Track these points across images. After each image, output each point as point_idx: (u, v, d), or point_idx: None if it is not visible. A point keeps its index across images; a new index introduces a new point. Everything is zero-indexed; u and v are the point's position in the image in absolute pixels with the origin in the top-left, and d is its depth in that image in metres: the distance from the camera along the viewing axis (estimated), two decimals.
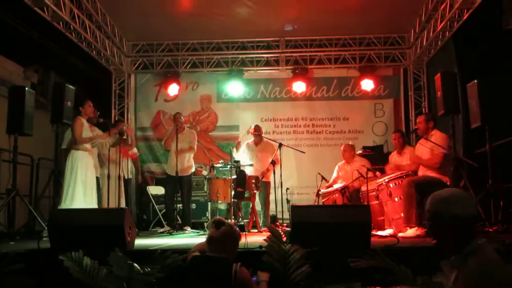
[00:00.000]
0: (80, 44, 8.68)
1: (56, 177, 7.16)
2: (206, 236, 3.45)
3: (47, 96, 10.74)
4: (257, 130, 8.55)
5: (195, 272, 3.23)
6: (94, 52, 9.28)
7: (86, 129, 6.93)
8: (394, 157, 7.05)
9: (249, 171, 8.25)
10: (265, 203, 8.37)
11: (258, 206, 8.46)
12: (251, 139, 8.71)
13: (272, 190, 8.15)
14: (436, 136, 6.14)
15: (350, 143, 8.16)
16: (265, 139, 8.61)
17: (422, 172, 6.23)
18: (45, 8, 7.16)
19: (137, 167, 9.03)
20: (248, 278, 3.20)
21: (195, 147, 8.36)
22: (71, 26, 7.93)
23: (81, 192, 6.65)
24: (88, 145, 6.89)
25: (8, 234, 6.52)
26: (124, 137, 7.55)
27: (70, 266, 3.15)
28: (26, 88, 6.90)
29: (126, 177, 8.20)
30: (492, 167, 6.18)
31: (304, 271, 3.31)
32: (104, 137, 7.26)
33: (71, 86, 7.20)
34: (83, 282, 3.10)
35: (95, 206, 6.85)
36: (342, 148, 8.04)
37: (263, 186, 8.31)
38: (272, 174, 8.02)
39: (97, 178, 7.28)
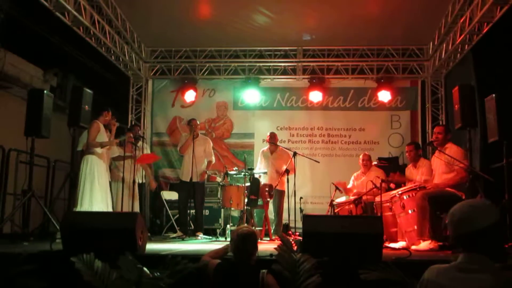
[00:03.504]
0: (99, 49, 8.78)
1: (72, 179, 7.21)
2: (219, 242, 3.51)
3: (65, 100, 10.87)
4: (272, 138, 8.54)
5: (222, 278, 3.28)
6: (112, 57, 9.39)
7: (102, 133, 6.98)
8: (409, 170, 7.00)
9: (263, 179, 8.26)
10: (278, 211, 8.34)
11: (271, 214, 8.44)
12: (266, 146, 8.73)
13: (285, 199, 8.12)
14: (452, 149, 6.08)
15: (366, 153, 8.15)
16: (280, 147, 8.60)
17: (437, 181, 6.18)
18: (66, 13, 7.26)
19: (148, 174, 8.94)
20: (274, 284, 3.23)
21: (213, 158, 8.40)
22: (91, 31, 8.02)
23: (99, 195, 6.70)
24: (99, 150, 6.91)
25: (23, 235, 6.57)
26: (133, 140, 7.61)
27: (81, 268, 3.17)
28: (45, 91, 6.96)
29: (140, 182, 8.24)
30: (509, 182, 6.10)
31: (314, 281, 3.29)
32: (113, 142, 7.26)
33: (89, 90, 7.27)
34: (93, 285, 3.12)
35: (110, 210, 6.89)
36: (362, 157, 7.99)
37: (277, 194, 8.28)
38: (286, 183, 8.00)
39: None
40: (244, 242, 3.44)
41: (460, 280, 2.12)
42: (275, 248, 3.58)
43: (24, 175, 6.93)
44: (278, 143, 8.71)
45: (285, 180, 8.01)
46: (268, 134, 8.70)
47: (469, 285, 2.09)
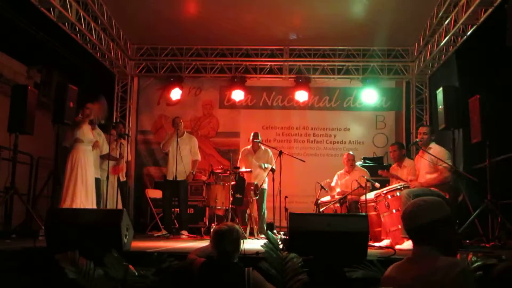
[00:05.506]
0: (85, 45, 8.71)
1: (55, 177, 7.15)
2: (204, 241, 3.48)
3: (50, 96, 10.76)
4: (255, 137, 8.55)
5: (207, 276, 3.26)
6: (98, 54, 9.32)
7: (86, 132, 6.91)
8: (394, 170, 7.03)
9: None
10: (260, 210, 8.33)
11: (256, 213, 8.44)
12: (249, 145, 8.76)
13: (270, 198, 8.13)
14: (436, 149, 6.13)
15: (351, 152, 8.18)
16: (262, 147, 8.61)
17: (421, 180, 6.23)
18: (51, 9, 7.18)
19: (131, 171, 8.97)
20: (262, 280, 3.21)
21: (199, 157, 8.36)
22: (76, 28, 7.95)
23: (82, 192, 6.64)
24: (86, 145, 6.86)
25: (5, 232, 6.50)
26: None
27: (65, 266, 3.14)
28: (29, 87, 6.90)
29: (121, 180, 8.21)
30: (491, 182, 6.17)
31: (301, 279, 3.29)
32: (83, 122, 6.99)
33: (73, 87, 7.21)
34: (78, 283, 3.09)
35: (94, 207, 6.83)
36: (345, 156, 8.00)
37: (260, 192, 8.29)
38: (272, 182, 8.01)
39: (97, 179, 7.24)
40: (221, 239, 3.41)
41: (406, 270, 2.28)
42: (261, 246, 3.58)
43: (7, 172, 6.85)
44: (263, 142, 8.73)
45: (266, 178, 8.20)
46: (252, 133, 8.71)
47: (411, 273, 2.22)
